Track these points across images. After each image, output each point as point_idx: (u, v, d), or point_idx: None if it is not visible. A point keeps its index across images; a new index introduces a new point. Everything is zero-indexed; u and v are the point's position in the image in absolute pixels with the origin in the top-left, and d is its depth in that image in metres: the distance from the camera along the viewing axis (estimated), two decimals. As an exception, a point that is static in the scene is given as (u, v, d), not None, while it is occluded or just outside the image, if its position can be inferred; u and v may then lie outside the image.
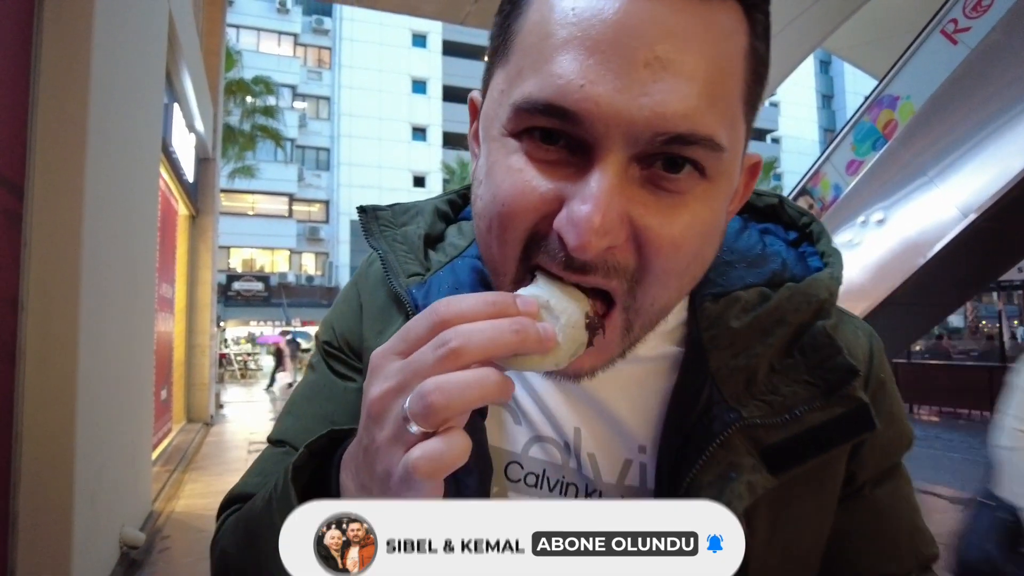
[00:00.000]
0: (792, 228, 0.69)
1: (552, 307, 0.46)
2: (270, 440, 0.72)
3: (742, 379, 0.57)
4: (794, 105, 43.05)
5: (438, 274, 0.67)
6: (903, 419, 0.65)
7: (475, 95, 0.58)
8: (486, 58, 0.55)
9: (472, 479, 0.58)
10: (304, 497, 0.52)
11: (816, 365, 0.56)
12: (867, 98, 8.46)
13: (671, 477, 0.57)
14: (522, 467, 0.64)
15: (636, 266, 0.48)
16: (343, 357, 0.71)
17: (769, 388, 0.57)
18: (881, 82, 8.28)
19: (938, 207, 7.19)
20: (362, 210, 0.71)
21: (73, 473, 2.82)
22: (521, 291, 0.47)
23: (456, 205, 0.77)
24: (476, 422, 0.60)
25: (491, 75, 0.53)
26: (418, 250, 0.69)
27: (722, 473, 0.55)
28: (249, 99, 23.83)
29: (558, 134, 0.46)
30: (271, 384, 17.35)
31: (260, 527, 0.55)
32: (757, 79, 0.50)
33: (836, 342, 0.57)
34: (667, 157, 0.46)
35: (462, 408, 0.40)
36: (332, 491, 0.51)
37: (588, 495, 0.62)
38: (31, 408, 2.66)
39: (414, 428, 0.40)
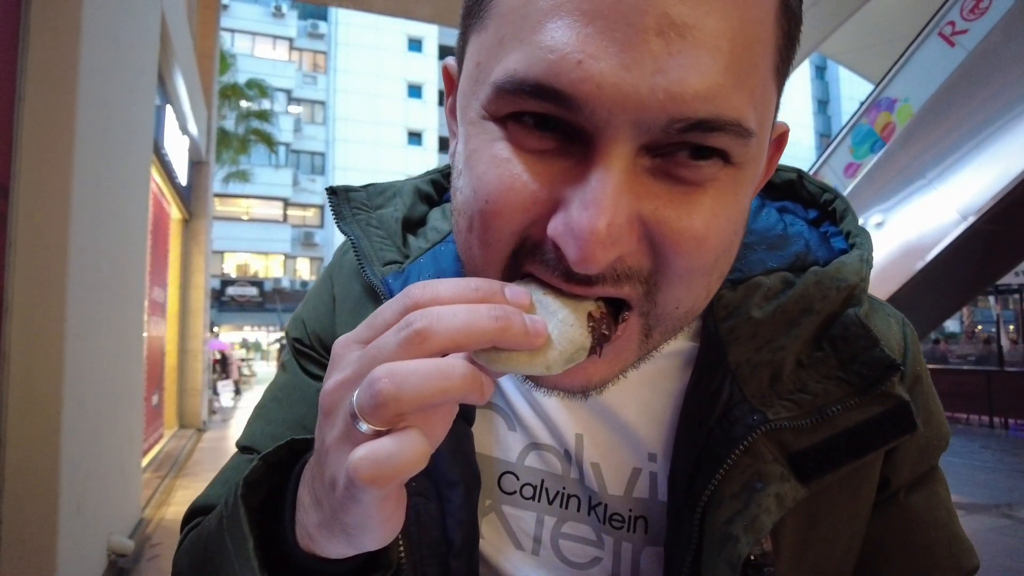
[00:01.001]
0: (812, 206, 0.63)
1: (548, 302, 0.39)
2: (238, 446, 0.65)
3: (766, 376, 0.51)
4: (790, 110, 43.27)
5: (418, 262, 0.60)
6: (940, 416, 0.60)
7: (450, 62, 0.50)
8: (460, 23, 0.46)
9: (457, 493, 0.53)
10: (258, 517, 0.45)
11: (849, 359, 0.51)
12: (865, 100, 8.47)
13: (687, 488, 0.51)
14: (517, 478, 0.58)
15: (652, 267, 0.40)
16: (315, 355, 0.65)
17: (797, 385, 0.51)
18: (879, 84, 8.29)
19: (937, 210, 7.20)
20: (332, 191, 0.64)
21: (58, 480, 2.75)
22: (513, 284, 0.40)
23: (440, 186, 0.71)
24: (462, 428, 0.55)
25: (465, 41, 0.45)
26: (395, 235, 0.62)
27: (747, 484, 0.49)
28: (244, 103, 23.78)
29: (552, 119, 0.38)
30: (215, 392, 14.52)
31: (213, 549, 0.48)
32: (789, 42, 0.42)
33: (871, 332, 0.51)
34: (686, 146, 0.38)
35: (417, 402, 0.33)
36: (287, 510, 0.44)
37: (592, 508, 0.57)
38: (15, 413, 2.59)
39: (363, 426, 0.34)
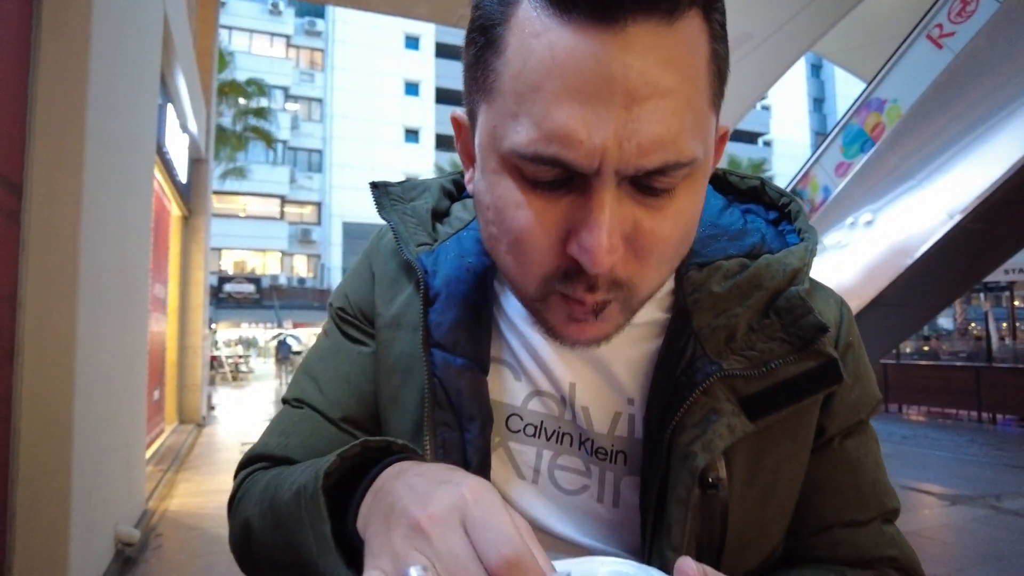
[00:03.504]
0: (772, 209, 0.75)
1: None
2: (285, 400, 0.76)
3: (723, 336, 0.63)
4: (785, 108, 43.32)
5: (445, 244, 0.73)
6: (871, 381, 0.71)
7: (459, 115, 0.62)
8: (464, 83, 0.58)
9: (475, 426, 0.65)
10: (333, 505, 0.54)
11: (790, 324, 0.63)
12: (855, 101, 8.57)
13: (659, 425, 0.62)
14: (521, 419, 0.69)
15: (634, 269, 0.53)
16: (356, 323, 0.76)
17: (747, 345, 0.63)
18: (869, 85, 8.40)
19: (925, 209, 7.31)
20: (374, 186, 0.77)
21: (71, 469, 2.83)
22: (562, 567, 0.44)
23: (460, 184, 0.83)
24: (479, 376, 0.67)
25: (475, 106, 0.56)
26: (426, 223, 0.75)
27: (705, 416, 0.61)
28: (241, 100, 23.79)
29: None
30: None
31: (287, 517, 0.58)
32: (721, 78, 0.54)
33: (808, 303, 0.63)
34: (649, 185, 0.51)
35: None
36: (354, 502, 0.53)
37: (581, 444, 0.68)
38: (29, 404, 2.67)
39: None
